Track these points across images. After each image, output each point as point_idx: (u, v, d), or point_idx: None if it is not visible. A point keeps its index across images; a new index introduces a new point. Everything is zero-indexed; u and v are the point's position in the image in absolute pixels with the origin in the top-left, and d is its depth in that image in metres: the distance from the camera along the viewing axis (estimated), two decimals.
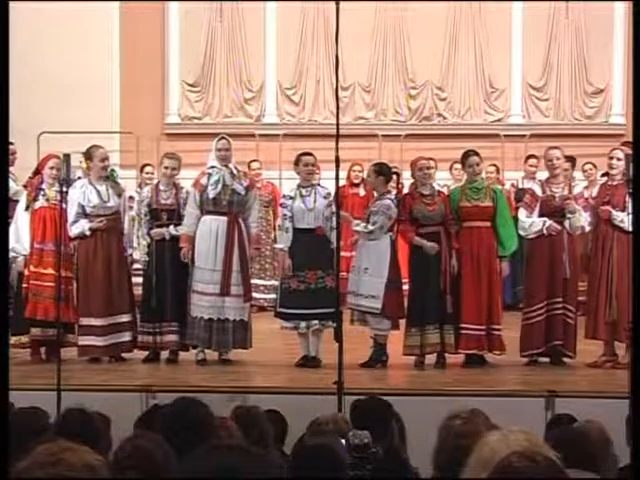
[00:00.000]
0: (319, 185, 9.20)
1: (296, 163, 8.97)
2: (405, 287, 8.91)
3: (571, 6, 14.71)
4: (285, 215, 8.73)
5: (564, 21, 14.80)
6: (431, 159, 9.59)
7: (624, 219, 8.32)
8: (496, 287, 8.77)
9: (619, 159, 8.64)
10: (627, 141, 10.14)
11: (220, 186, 8.76)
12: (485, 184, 9.05)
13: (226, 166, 8.87)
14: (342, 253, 8.48)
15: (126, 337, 8.92)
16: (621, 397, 6.06)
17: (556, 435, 4.43)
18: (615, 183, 8.71)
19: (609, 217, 8.60)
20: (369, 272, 8.62)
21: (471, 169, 8.90)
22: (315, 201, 8.75)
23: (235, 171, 8.95)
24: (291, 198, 8.76)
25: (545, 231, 8.69)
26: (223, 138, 8.96)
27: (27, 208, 8.88)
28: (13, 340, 8.80)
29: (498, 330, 8.71)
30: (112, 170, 9.24)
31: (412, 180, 9.16)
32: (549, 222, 8.70)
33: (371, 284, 8.60)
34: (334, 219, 8.71)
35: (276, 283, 9.71)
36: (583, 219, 8.75)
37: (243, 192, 8.87)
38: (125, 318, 8.92)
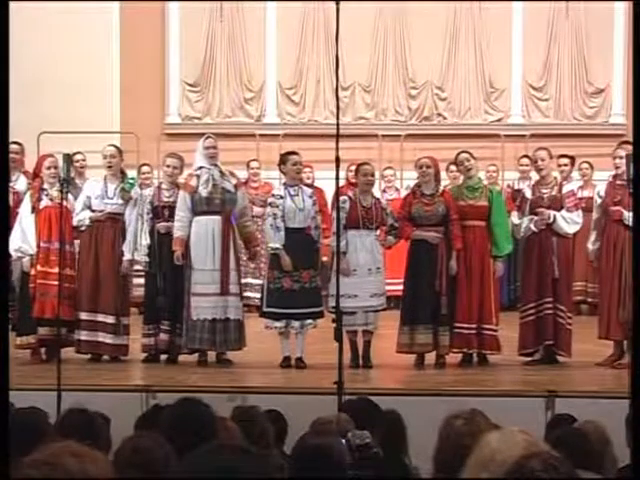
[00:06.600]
0: (305, 185, 9.35)
1: (283, 162, 8.93)
2: (399, 287, 9.02)
3: (571, 6, 14.71)
4: (276, 214, 8.68)
5: (564, 21, 14.81)
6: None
7: None
8: (488, 286, 8.76)
9: (621, 157, 8.66)
10: (625, 140, 10.12)
11: (210, 185, 8.76)
12: (482, 184, 9.08)
13: (215, 165, 8.88)
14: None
15: (107, 339, 8.86)
16: (621, 397, 6.07)
17: (556, 435, 4.44)
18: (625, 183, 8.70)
19: (620, 217, 8.61)
20: (372, 271, 8.69)
21: (462, 166, 8.95)
22: (303, 200, 8.78)
23: (222, 169, 8.96)
24: (281, 197, 8.75)
25: (533, 227, 8.72)
26: (209, 137, 8.97)
27: (33, 210, 8.86)
28: (19, 341, 8.80)
29: (491, 330, 8.71)
30: (130, 179, 9.27)
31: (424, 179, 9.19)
32: (536, 217, 8.73)
33: (379, 282, 8.72)
34: (318, 218, 8.84)
35: None
36: (564, 224, 8.74)
37: (233, 190, 8.89)
38: (110, 319, 8.87)
